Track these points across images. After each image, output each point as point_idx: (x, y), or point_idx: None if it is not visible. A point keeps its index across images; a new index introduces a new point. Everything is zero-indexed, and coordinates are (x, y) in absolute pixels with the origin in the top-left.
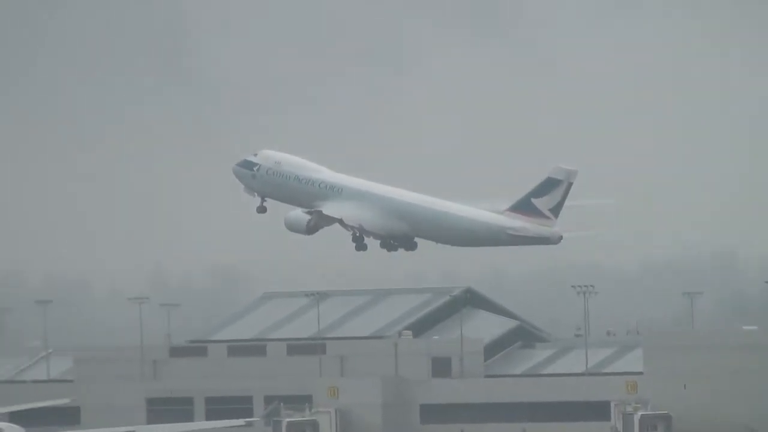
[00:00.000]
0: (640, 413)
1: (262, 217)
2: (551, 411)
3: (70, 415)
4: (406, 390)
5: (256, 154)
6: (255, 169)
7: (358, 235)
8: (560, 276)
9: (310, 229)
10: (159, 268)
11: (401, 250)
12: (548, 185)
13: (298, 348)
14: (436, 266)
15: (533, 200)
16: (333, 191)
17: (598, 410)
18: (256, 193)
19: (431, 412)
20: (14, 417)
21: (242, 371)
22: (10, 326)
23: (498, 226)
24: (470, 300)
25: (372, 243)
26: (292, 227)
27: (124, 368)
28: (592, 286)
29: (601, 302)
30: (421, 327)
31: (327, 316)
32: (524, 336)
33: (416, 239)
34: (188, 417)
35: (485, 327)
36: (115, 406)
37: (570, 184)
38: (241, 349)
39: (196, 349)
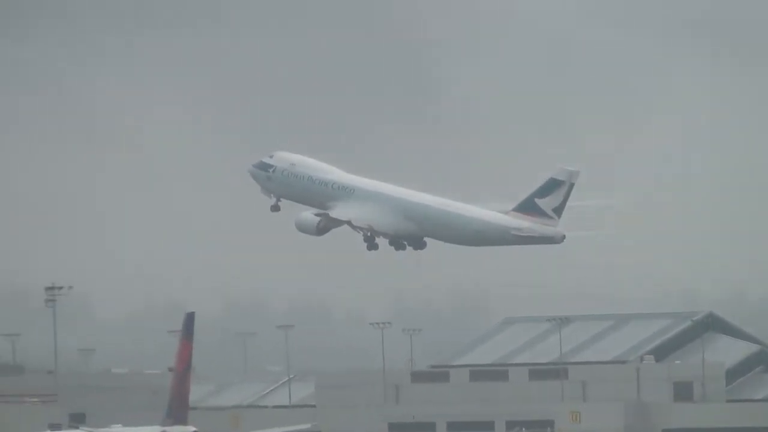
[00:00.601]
0: None
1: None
2: None
3: None
4: (648, 414)
5: (271, 156)
6: (270, 170)
7: (369, 235)
8: None
9: (320, 231)
10: (401, 292)
11: (410, 249)
12: (551, 186)
13: (540, 373)
14: (677, 290)
15: (537, 200)
16: (345, 192)
17: None
18: (272, 194)
19: None
20: None
21: (484, 396)
22: (253, 351)
23: (504, 226)
24: (712, 324)
25: (382, 242)
26: (302, 228)
27: (366, 393)
28: None
29: None
30: (663, 351)
31: (569, 341)
32: (766, 360)
33: (425, 239)
34: None
35: (727, 351)
36: None
37: (572, 185)
38: (483, 373)
39: (438, 374)
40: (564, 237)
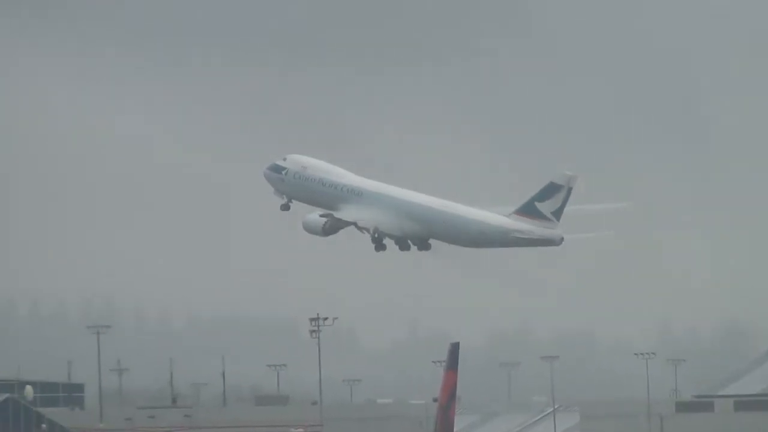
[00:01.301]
0: None
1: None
2: None
3: None
4: None
5: (285, 159)
6: (283, 172)
7: (376, 236)
8: None
9: (326, 231)
10: (666, 322)
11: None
12: (550, 190)
13: None
14: None
15: (537, 204)
16: (354, 194)
17: None
18: (284, 196)
19: None
20: None
21: (749, 426)
22: (518, 381)
23: (506, 228)
24: None
25: (390, 243)
26: (309, 229)
27: (630, 423)
28: None
29: None
30: None
31: None
32: None
33: (430, 240)
34: None
35: None
36: None
37: (570, 189)
38: (747, 404)
39: (702, 404)
40: (563, 239)
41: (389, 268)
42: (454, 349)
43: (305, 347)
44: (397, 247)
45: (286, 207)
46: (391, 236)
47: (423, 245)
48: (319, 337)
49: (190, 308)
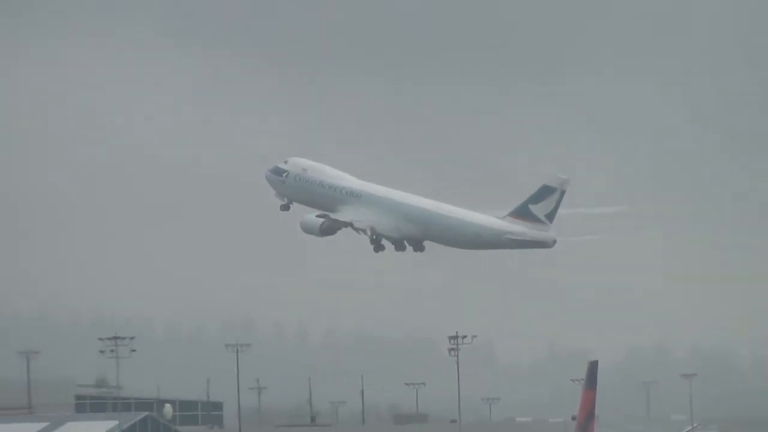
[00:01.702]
0: None
1: None
2: None
3: None
4: None
5: (286, 162)
6: (284, 175)
7: (374, 237)
8: None
9: (324, 231)
10: None
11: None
12: (544, 192)
13: None
14: None
15: (530, 206)
16: (353, 196)
17: None
18: (285, 198)
19: None
20: None
21: None
22: (656, 399)
23: (499, 230)
24: None
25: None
26: (307, 229)
27: None
28: None
29: None
30: None
31: None
32: None
33: (425, 242)
34: None
35: None
36: None
37: (563, 192)
38: None
39: None
40: (555, 241)
41: (520, 286)
42: (593, 367)
43: (444, 365)
44: (393, 247)
45: (285, 207)
46: (387, 237)
47: (418, 246)
48: (458, 355)
49: (328, 326)
